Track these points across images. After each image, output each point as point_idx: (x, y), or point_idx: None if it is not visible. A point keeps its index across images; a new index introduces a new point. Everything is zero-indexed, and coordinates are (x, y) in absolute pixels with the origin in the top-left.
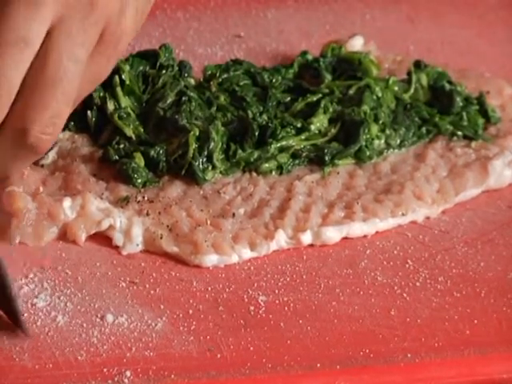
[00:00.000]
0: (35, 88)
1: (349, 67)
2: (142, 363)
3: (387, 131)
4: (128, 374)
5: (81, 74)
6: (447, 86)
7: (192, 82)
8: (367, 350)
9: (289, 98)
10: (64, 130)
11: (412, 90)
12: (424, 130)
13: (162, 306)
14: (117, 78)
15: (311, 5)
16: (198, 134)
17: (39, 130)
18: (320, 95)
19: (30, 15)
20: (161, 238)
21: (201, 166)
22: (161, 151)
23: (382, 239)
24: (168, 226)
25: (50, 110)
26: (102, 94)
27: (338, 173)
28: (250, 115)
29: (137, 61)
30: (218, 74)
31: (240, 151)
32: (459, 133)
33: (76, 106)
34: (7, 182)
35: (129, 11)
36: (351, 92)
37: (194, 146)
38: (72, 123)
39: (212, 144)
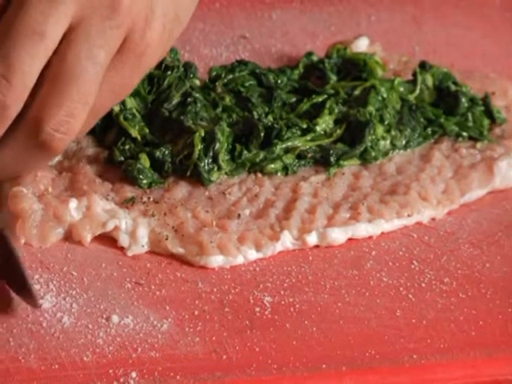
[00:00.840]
0: (52, 84)
1: (354, 68)
2: (147, 364)
3: (392, 132)
4: (134, 375)
5: (100, 77)
6: (452, 87)
7: (197, 82)
8: (373, 351)
9: (294, 99)
10: None
11: (417, 91)
12: (429, 130)
13: (167, 307)
14: None
15: (316, 6)
16: (203, 134)
17: (52, 127)
18: (325, 96)
19: (48, 10)
20: (166, 239)
21: (206, 166)
22: (166, 152)
23: (388, 240)
24: (173, 227)
25: (65, 107)
26: None
27: (344, 174)
28: (256, 116)
29: None
30: (223, 75)
31: (245, 152)
32: (464, 134)
33: (100, 117)
34: (16, 181)
35: (154, 25)
36: (356, 93)
37: (199, 146)
38: None
39: (217, 145)
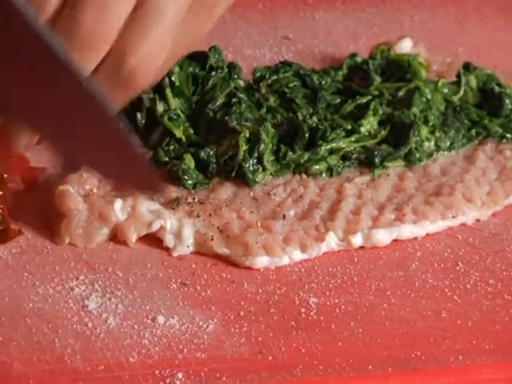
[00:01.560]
0: (136, 23)
1: (398, 69)
2: (193, 365)
3: (437, 133)
4: (180, 375)
5: (180, 19)
6: (496, 89)
7: (241, 83)
8: (418, 352)
9: (338, 100)
10: None
11: (461, 93)
12: (473, 132)
13: (213, 308)
14: (166, 79)
15: (359, 7)
16: (248, 135)
17: (135, 62)
18: (369, 97)
19: None
20: (211, 239)
21: (251, 167)
22: (211, 153)
23: (433, 241)
24: (219, 228)
25: (148, 44)
26: (151, 96)
27: (388, 175)
28: (300, 117)
29: (186, 62)
30: (267, 76)
31: (290, 153)
32: (508, 135)
33: (174, 62)
34: (64, 179)
35: None
36: (400, 94)
37: (244, 147)
38: None
39: (262, 146)
